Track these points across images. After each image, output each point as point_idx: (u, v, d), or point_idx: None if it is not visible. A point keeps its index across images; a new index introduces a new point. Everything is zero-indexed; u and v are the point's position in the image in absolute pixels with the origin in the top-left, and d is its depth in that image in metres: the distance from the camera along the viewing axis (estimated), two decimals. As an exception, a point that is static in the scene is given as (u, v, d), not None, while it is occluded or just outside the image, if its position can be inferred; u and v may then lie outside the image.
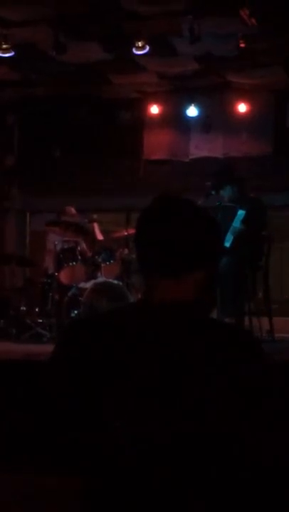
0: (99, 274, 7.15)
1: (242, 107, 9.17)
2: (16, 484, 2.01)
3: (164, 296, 1.67)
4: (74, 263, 7.19)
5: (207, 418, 1.54)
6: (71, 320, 6.76)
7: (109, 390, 1.58)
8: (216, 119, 9.32)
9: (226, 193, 6.64)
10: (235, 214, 6.50)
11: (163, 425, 1.55)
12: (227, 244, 6.43)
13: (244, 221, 6.44)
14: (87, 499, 1.62)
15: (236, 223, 6.46)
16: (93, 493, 1.61)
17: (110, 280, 7.00)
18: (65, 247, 7.37)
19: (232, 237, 6.43)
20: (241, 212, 6.47)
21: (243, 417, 1.55)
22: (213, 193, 6.61)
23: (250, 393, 1.56)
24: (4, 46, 7.22)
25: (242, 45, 7.19)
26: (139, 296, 7.07)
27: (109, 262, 7.25)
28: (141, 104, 9.53)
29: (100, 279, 7.03)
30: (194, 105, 9.28)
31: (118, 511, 1.57)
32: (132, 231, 7.53)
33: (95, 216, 8.00)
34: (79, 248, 7.36)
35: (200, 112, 9.32)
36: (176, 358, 1.58)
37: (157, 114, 9.52)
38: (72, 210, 7.86)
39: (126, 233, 7.56)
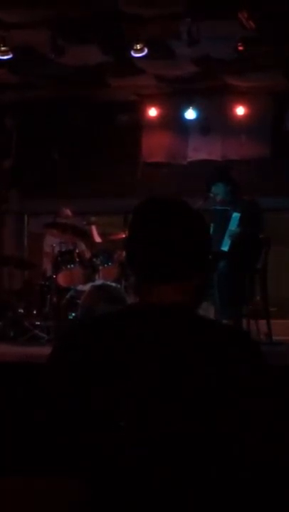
0: (97, 276, 7.14)
1: (240, 110, 9.18)
2: (16, 484, 2.01)
3: (163, 297, 1.67)
4: (72, 265, 7.17)
5: (207, 418, 1.54)
6: (71, 322, 6.75)
7: (110, 390, 1.58)
8: (215, 122, 9.33)
9: (218, 189, 6.53)
10: (229, 217, 6.46)
11: (163, 425, 1.55)
12: (225, 249, 6.39)
13: (240, 223, 6.41)
14: (87, 499, 1.62)
15: (232, 226, 6.42)
16: (93, 493, 1.60)
17: (108, 283, 6.98)
18: (63, 249, 7.36)
19: (229, 241, 6.39)
20: (236, 215, 6.42)
21: (243, 417, 1.55)
22: (211, 195, 6.58)
23: (250, 393, 1.56)
24: (3, 49, 7.22)
25: (240, 47, 7.21)
26: (137, 298, 7.10)
27: (107, 264, 7.24)
28: (139, 107, 9.53)
29: (98, 281, 7.02)
30: (193, 108, 9.28)
31: (118, 511, 1.57)
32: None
33: (93, 218, 8.00)
34: (77, 250, 7.34)
35: (198, 115, 9.32)
36: (176, 358, 1.58)
37: (155, 117, 9.52)
38: (68, 212, 7.85)
39: (124, 235, 7.56)
